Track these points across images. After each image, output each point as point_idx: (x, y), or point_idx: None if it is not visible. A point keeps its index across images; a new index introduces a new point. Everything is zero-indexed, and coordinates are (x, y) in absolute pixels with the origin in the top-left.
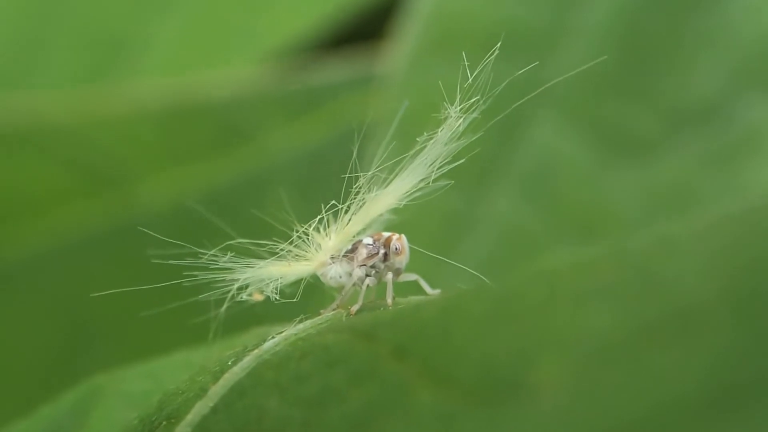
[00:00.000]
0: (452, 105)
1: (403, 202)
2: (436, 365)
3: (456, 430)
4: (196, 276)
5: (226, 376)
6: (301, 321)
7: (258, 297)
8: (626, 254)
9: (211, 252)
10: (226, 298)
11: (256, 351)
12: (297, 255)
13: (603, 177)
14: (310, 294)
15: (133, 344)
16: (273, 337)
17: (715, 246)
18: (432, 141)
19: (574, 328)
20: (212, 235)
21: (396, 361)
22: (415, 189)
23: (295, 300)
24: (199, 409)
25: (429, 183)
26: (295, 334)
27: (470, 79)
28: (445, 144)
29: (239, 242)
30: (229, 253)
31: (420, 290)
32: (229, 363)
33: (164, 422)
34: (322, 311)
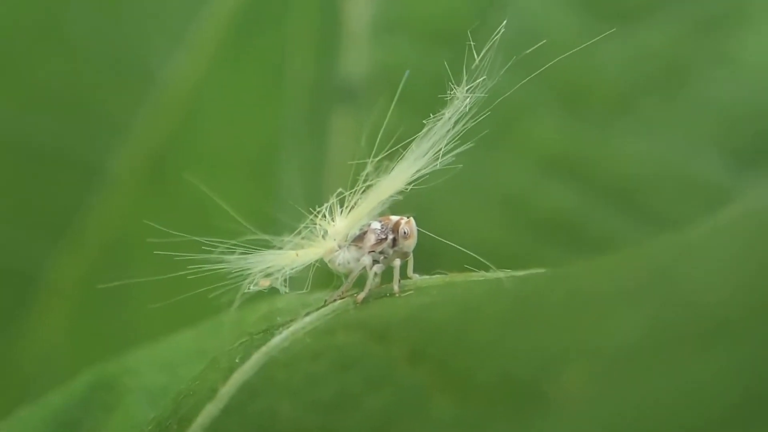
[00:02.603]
0: (458, 85)
1: (410, 186)
2: (453, 370)
3: None
4: (201, 267)
5: (235, 375)
6: (308, 313)
7: (265, 284)
8: (643, 254)
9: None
10: (233, 288)
11: (264, 348)
12: (305, 242)
13: (593, 45)
14: (319, 281)
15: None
16: (280, 331)
17: (734, 244)
18: (438, 122)
19: (597, 332)
20: (216, 224)
21: (411, 365)
22: (421, 172)
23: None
24: (210, 410)
25: (436, 165)
26: (303, 328)
27: (477, 60)
28: (452, 125)
29: (242, 229)
30: (234, 242)
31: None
32: (237, 360)
33: (176, 426)
34: (327, 299)
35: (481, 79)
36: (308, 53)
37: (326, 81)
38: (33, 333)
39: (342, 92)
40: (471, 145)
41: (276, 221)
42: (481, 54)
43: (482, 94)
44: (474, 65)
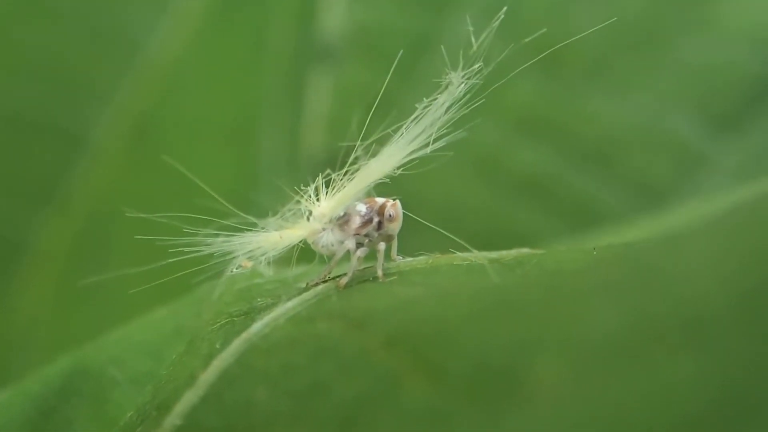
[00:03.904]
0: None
1: (397, 171)
2: (428, 357)
3: (448, 429)
4: (182, 251)
5: (215, 362)
6: (290, 298)
7: (246, 265)
8: (630, 250)
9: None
10: (216, 269)
11: (244, 334)
12: (289, 223)
13: (569, 7)
14: (303, 261)
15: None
16: (261, 316)
17: (720, 241)
18: (429, 108)
19: (576, 326)
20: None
21: (386, 352)
22: (409, 157)
23: (288, 270)
24: (189, 398)
25: (425, 151)
26: (284, 314)
27: (474, 46)
28: (445, 111)
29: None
30: (218, 223)
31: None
32: (217, 345)
33: (154, 412)
34: (309, 282)
35: (478, 65)
36: (290, 18)
37: (307, 43)
38: (19, 298)
39: (320, 51)
40: (463, 134)
41: (259, 201)
42: (479, 41)
43: (478, 81)
44: (472, 51)
